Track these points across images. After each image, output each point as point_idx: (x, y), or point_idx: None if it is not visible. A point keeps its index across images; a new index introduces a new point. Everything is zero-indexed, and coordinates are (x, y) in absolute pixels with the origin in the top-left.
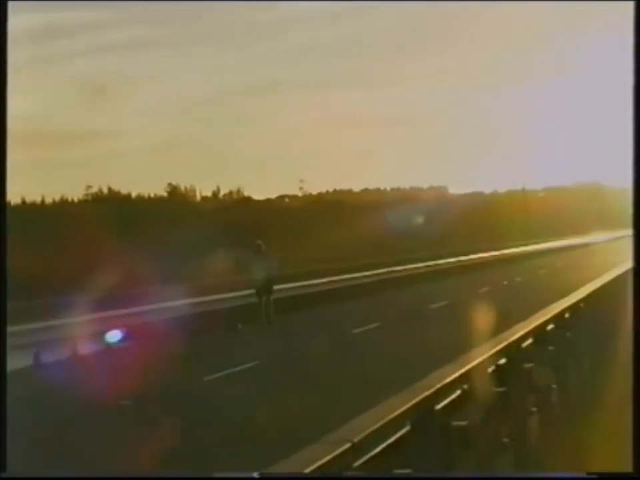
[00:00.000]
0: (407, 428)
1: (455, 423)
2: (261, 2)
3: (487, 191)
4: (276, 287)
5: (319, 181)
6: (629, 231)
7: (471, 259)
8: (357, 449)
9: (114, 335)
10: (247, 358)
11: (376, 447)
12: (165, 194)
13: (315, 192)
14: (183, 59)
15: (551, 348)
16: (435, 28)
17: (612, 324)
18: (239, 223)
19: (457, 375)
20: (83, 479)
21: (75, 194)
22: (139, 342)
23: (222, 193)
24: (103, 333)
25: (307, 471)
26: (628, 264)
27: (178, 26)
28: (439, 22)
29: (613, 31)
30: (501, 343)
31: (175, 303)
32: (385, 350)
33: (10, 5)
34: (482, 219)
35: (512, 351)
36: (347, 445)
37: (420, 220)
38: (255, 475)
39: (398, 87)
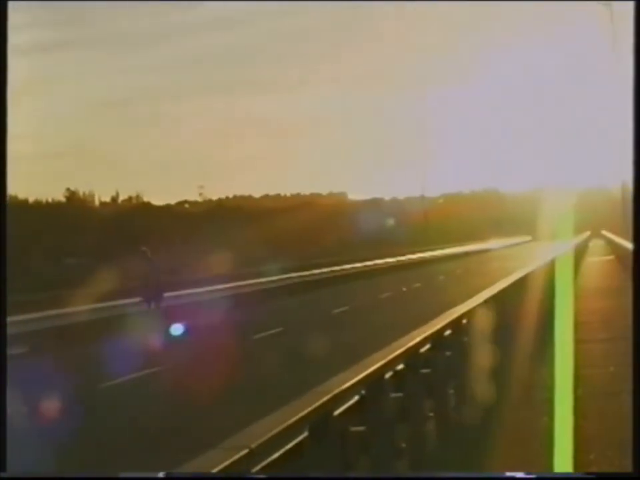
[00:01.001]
0: (305, 434)
1: (353, 429)
2: (162, 6)
3: (387, 197)
4: (167, 294)
5: (219, 187)
6: (525, 238)
7: (372, 265)
8: (255, 454)
9: (178, 328)
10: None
11: (274, 452)
12: (64, 199)
13: (214, 197)
14: (84, 63)
15: (448, 353)
16: (333, 35)
17: (507, 329)
18: (138, 228)
19: (355, 380)
20: (82, 479)
21: None
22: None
23: (121, 199)
24: None
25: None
26: (524, 270)
27: (78, 29)
28: (337, 28)
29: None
30: (398, 348)
31: (56, 312)
32: (287, 355)
33: (10, 4)
34: (382, 225)
35: (410, 356)
36: (245, 451)
37: (320, 226)
38: (161, 474)
39: (299, 93)
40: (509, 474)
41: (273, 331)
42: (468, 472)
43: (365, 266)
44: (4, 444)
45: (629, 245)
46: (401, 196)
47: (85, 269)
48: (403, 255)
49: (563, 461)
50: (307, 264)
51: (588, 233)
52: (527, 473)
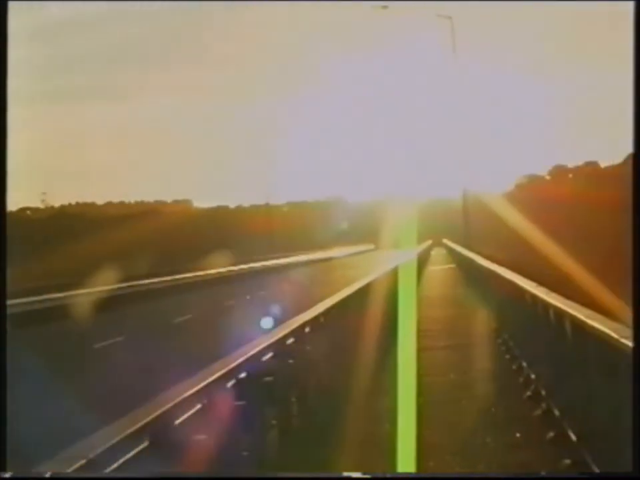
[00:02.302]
0: (146, 443)
1: (195, 437)
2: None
3: (232, 205)
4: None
5: (61, 194)
6: (369, 246)
7: (217, 273)
8: (93, 464)
9: (268, 322)
10: None
11: (114, 462)
12: None
13: (57, 205)
14: None
15: (291, 361)
16: (184, 41)
17: (348, 337)
18: None
19: (196, 389)
20: (82, 479)
21: None
22: None
23: None
24: None
25: None
26: (367, 278)
27: None
28: (188, 33)
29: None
30: (241, 356)
31: None
32: (128, 365)
33: (10, 4)
34: (227, 233)
35: (252, 364)
36: (82, 461)
37: (165, 233)
38: (7, 475)
39: (141, 101)
40: (509, 474)
41: (112, 340)
42: (468, 472)
43: (216, 273)
44: (4, 444)
45: (468, 253)
46: (246, 203)
47: None
48: (249, 262)
49: (405, 467)
50: (150, 272)
51: (430, 242)
52: (527, 473)
